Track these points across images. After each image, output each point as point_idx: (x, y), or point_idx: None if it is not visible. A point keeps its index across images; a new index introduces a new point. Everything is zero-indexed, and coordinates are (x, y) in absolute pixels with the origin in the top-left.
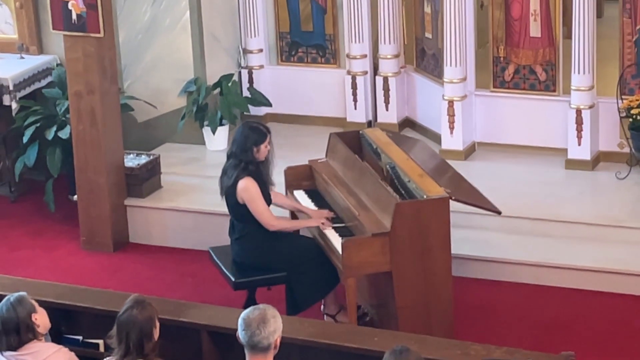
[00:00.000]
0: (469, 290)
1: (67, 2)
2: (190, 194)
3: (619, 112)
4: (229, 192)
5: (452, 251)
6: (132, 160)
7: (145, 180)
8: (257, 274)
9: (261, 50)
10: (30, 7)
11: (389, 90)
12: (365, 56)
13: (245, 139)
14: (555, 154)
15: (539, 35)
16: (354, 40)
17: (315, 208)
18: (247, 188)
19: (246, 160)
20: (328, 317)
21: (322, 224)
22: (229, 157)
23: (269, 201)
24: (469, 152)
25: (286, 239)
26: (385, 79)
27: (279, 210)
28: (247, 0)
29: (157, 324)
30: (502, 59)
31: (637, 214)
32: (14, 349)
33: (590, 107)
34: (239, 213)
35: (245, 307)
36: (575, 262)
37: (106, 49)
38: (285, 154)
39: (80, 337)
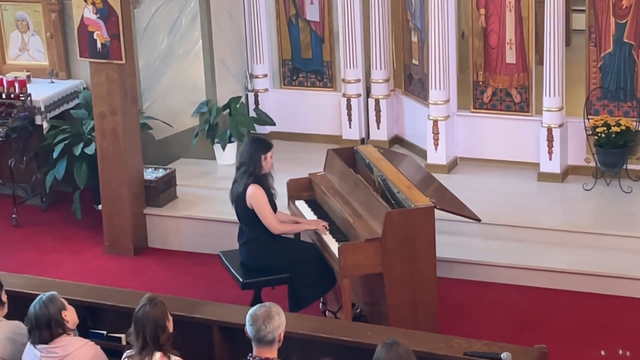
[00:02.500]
0: (452, 290)
1: (93, 32)
2: (202, 203)
3: (586, 130)
4: (239, 198)
5: (437, 255)
6: (151, 174)
7: (162, 192)
8: (262, 275)
9: (266, 75)
10: (60, 37)
11: (380, 111)
12: (358, 80)
13: (253, 150)
14: (528, 167)
15: (514, 62)
16: (348, 66)
17: (315, 217)
18: (255, 194)
19: (254, 168)
20: (330, 314)
21: (322, 227)
22: (238, 168)
23: (274, 208)
24: (452, 166)
25: (289, 243)
26: (377, 101)
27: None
28: (253, 30)
29: (170, 318)
30: (481, 83)
31: (602, 221)
32: (46, 342)
33: (560, 126)
34: (247, 218)
35: (252, 305)
36: (547, 265)
37: (127, 74)
38: (287, 167)
39: (105, 332)
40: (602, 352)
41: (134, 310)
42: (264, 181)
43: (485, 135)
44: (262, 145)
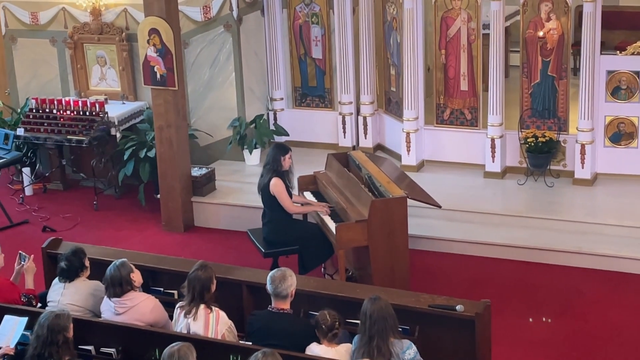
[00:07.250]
0: (420, 258)
1: (154, 66)
2: (234, 194)
3: (519, 140)
4: (264, 187)
5: (409, 232)
6: (196, 171)
7: (204, 185)
8: (279, 247)
9: (282, 99)
10: (129, 70)
11: (367, 125)
12: (351, 103)
13: (275, 153)
14: (477, 168)
15: (467, 89)
16: (343, 91)
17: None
18: (276, 184)
19: (276, 166)
20: (328, 276)
21: (325, 210)
22: (265, 165)
23: (290, 195)
24: (420, 166)
25: (298, 224)
26: (365, 118)
27: None
28: (273, 65)
29: (215, 281)
30: (442, 104)
31: (532, 208)
32: (118, 296)
33: (501, 137)
34: (269, 203)
35: (271, 269)
36: (490, 240)
37: (179, 97)
38: (297, 167)
39: (162, 289)
40: (530, 319)
41: (184, 273)
42: (284, 176)
43: (445, 143)
44: (282, 149)
